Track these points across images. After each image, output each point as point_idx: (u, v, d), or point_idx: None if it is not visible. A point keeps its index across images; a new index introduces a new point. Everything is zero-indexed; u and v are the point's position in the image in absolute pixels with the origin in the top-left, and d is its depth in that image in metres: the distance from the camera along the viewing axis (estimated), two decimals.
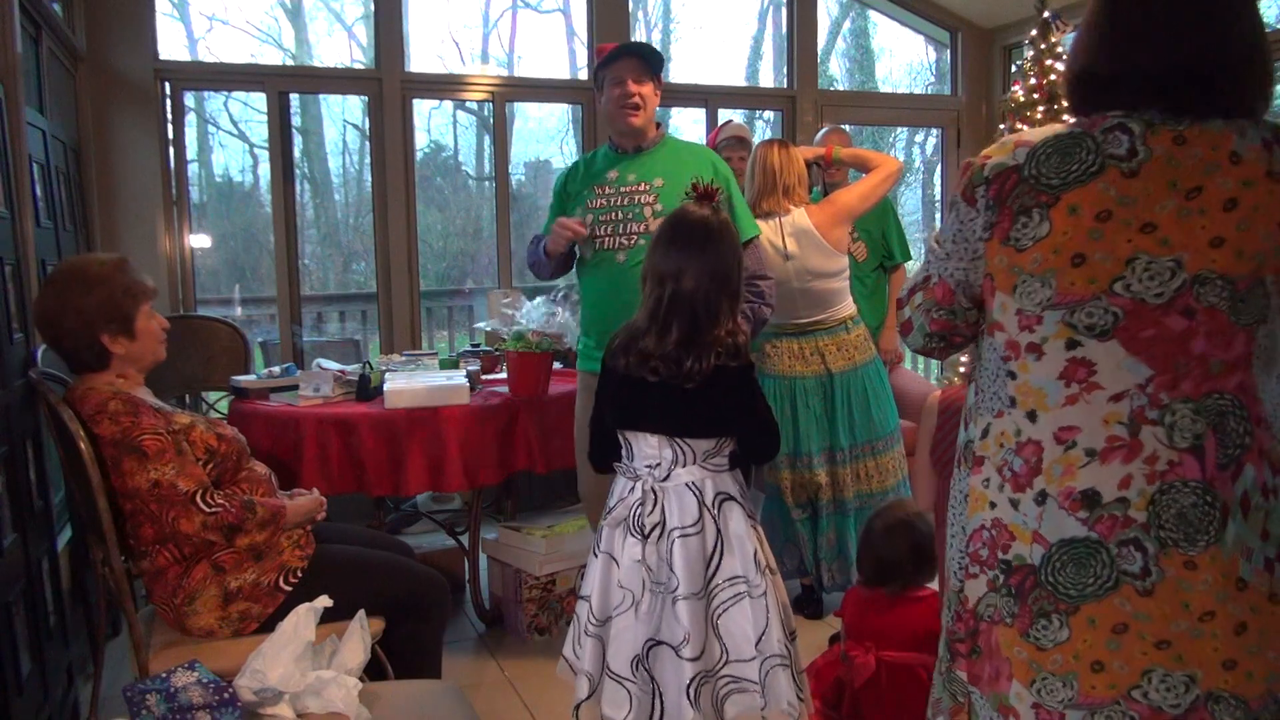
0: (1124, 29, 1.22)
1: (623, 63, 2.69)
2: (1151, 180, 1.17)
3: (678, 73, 8.70)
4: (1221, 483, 1.19)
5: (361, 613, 1.85)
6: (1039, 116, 3.55)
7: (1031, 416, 1.25)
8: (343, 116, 8.40)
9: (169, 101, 4.04)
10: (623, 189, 2.73)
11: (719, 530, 1.88)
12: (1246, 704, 1.19)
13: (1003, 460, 1.28)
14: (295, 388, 3.08)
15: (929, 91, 6.75)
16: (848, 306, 3.26)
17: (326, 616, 1.77)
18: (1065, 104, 1.33)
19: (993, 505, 1.28)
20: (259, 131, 7.35)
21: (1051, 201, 1.19)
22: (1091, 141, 1.19)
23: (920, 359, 5.47)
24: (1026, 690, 1.24)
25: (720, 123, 4.44)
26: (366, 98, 4.44)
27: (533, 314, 3.01)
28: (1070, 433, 1.22)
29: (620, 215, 2.70)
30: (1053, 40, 3.63)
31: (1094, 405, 1.21)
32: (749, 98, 5.88)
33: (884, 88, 8.38)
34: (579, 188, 2.81)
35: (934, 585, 2.25)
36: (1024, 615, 1.24)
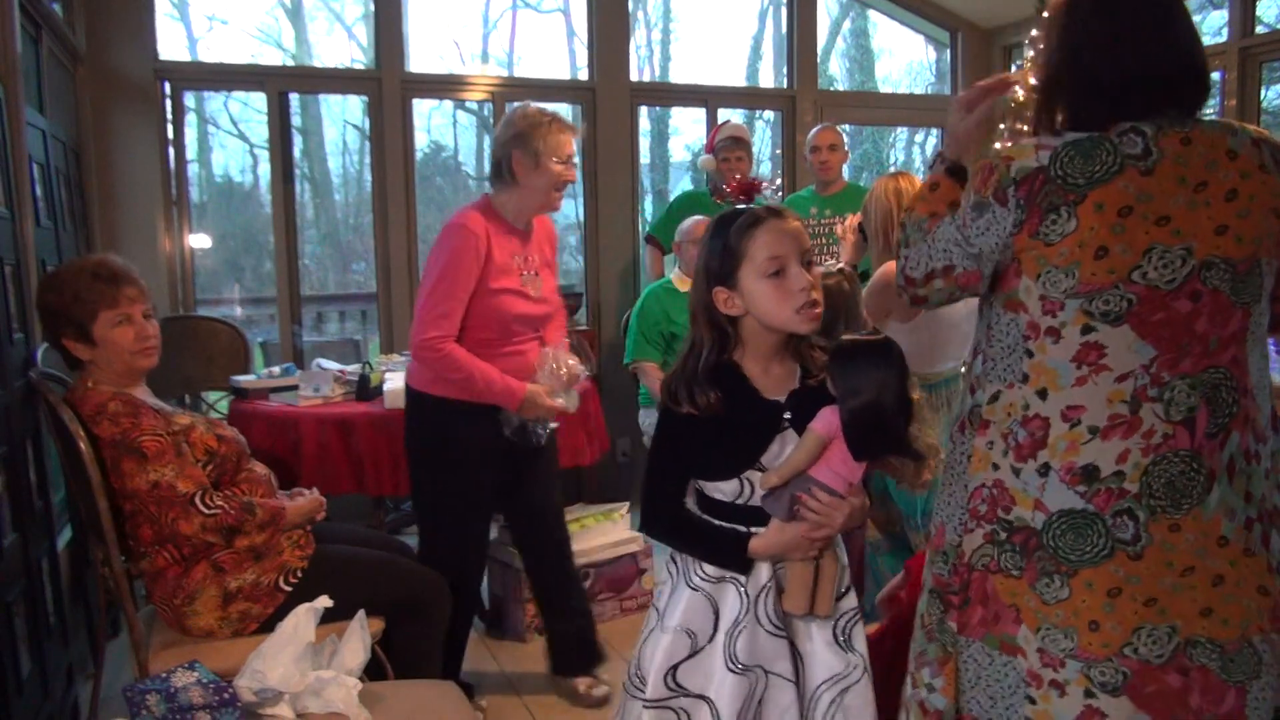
0: (1130, 36, 1.34)
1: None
2: (1165, 178, 1.30)
3: (677, 73, 8.70)
4: (1209, 450, 1.31)
5: (361, 613, 1.84)
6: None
7: (1042, 394, 1.36)
8: (343, 116, 8.39)
9: (169, 101, 4.04)
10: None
11: None
12: (1222, 647, 1.31)
13: (1008, 429, 1.38)
14: (295, 388, 3.08)
15: (929, 91, 6.75)
16: None
17: (326, 616, 1.77)
18: (1049, 119, 1.41)
19: (995, 467, 1.39)
20: (259, 131, 7.35)
21: (1079, 199, 1.31)
22: (1110, 144, 1.31)
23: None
24: (1033, 635, 1.36)
25: (719, 123, 4.43)
26: (366, 98, 4.44)
27: None
28: (1076, 411, 1.33)
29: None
30: None
31: (1100, 386, 1.32)
32: (749, 98, 5.88)
33: (884, 88, 8.38)
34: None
35: None
36: (1030, 570, 1.36)
